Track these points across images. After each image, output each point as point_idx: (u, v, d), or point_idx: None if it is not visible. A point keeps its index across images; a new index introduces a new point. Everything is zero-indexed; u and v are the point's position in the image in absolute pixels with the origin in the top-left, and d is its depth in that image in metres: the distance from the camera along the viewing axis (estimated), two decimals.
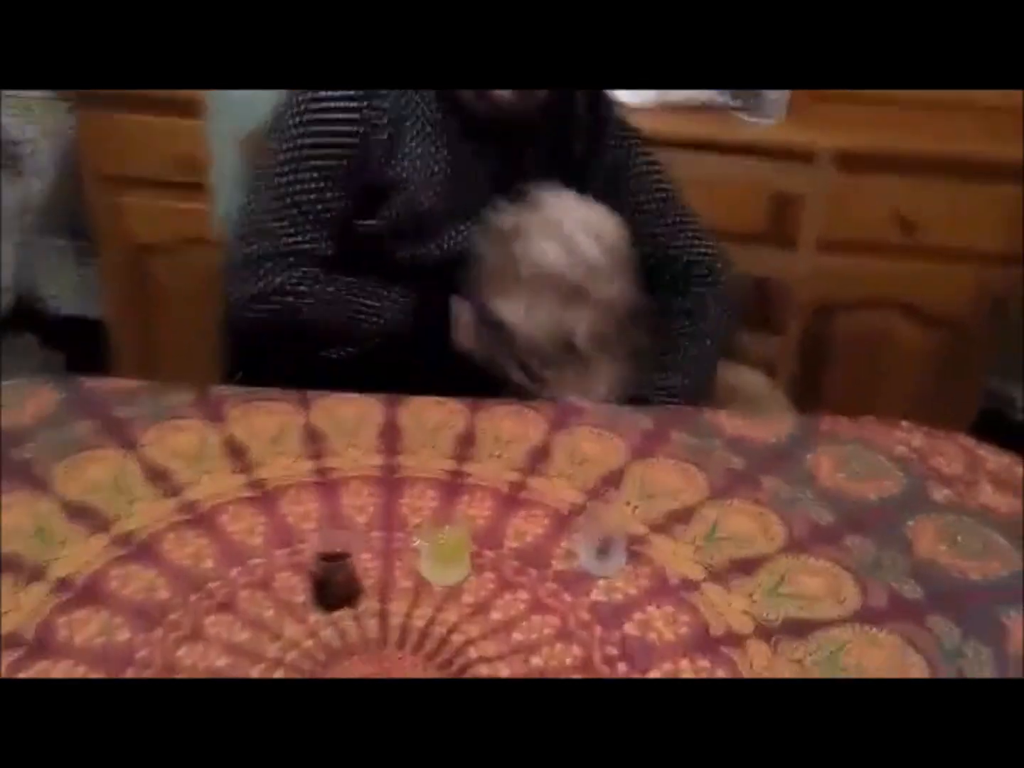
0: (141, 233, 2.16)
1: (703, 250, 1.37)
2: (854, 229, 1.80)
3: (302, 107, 1.20)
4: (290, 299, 1.20)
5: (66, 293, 2.78)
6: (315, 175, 1.19)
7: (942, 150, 1.82)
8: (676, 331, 1.33)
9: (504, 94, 1.17)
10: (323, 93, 1.19)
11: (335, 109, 1.19)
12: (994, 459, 1.12)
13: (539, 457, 1.06)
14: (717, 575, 0.92)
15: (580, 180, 1.24)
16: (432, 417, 1.11)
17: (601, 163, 1.30)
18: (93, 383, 1.16)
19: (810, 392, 1.89)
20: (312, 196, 1.20)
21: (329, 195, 1.20)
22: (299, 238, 1.21)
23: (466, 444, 1.07)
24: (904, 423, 1.18)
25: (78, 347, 2.48)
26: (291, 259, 1.20)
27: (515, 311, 1.16)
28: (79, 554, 0.89)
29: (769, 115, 1.79)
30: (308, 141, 1.20)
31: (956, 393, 2.01)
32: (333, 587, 0.84)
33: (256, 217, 1.22)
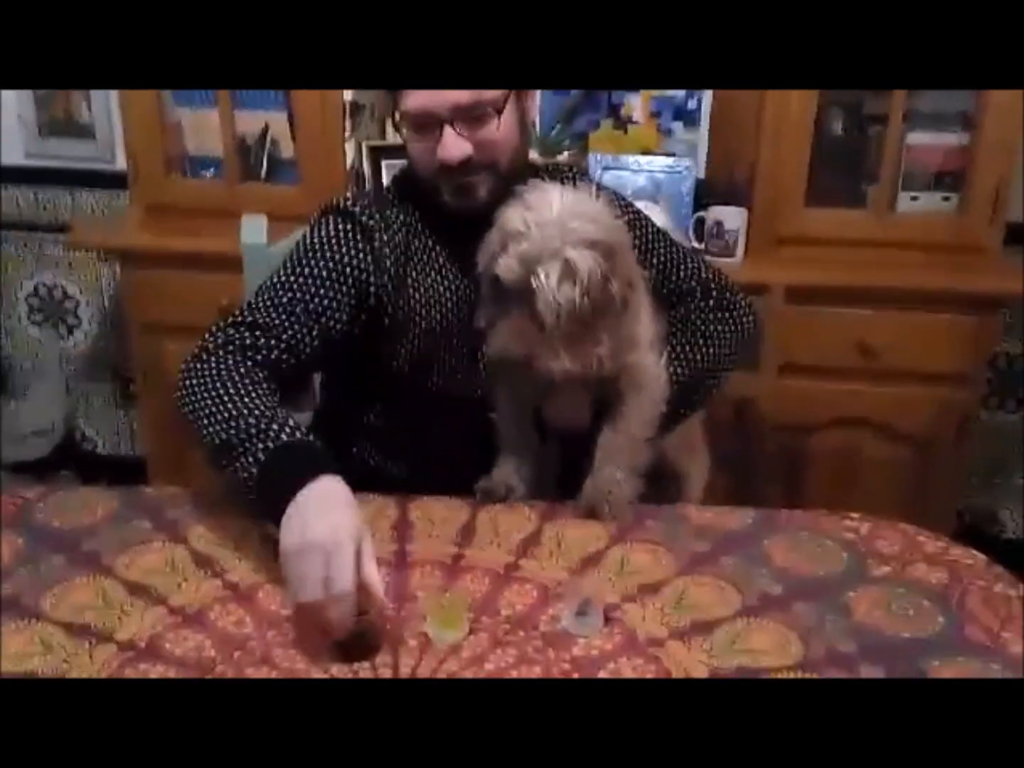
0: None
1: (706, 274, 1.49)
2: (817, 355, 2.01)
3: (316, 235, 1.34)
4: (188, 378, 1.25)
5: (106, 434, 3.01)
6: (317, 283, 1.30)
7: (893, 283, 2.05)
8: (677, 335, 1.41)
9: (481, 193, 1.29)
10: (339, 227, 1.34)
11: (347, 240, 1.33)
12: (931, 543, 1.28)
13: (531, 543, 1.24)
14: (680, 634, 1.07)
15: None
16: (438, 512, 1.29)
17: None
18: (148, 490, 1.36)
19: (788, 506, 2.05)
20: (308, 297, 1.30)
21: (326, 303, 1.30)
22: (281, 332, 1.28)
23: (467, 534, 1.25)
24: (854, 515, 1.34)
25: (115, 484, 2.67)
26: (243, 352, 1.25)
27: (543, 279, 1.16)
28: (139, 622, 1.07)
29: (732, 255, 2.04)
30: (319, 261, 1.32)
31: (932, 510, 2.16)
32: (354, 642, 1.01)
33: (250, 303, 1.32)
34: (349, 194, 1.40)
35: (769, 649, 1.05)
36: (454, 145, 1.26)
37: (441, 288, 1.37)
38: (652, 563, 1.20)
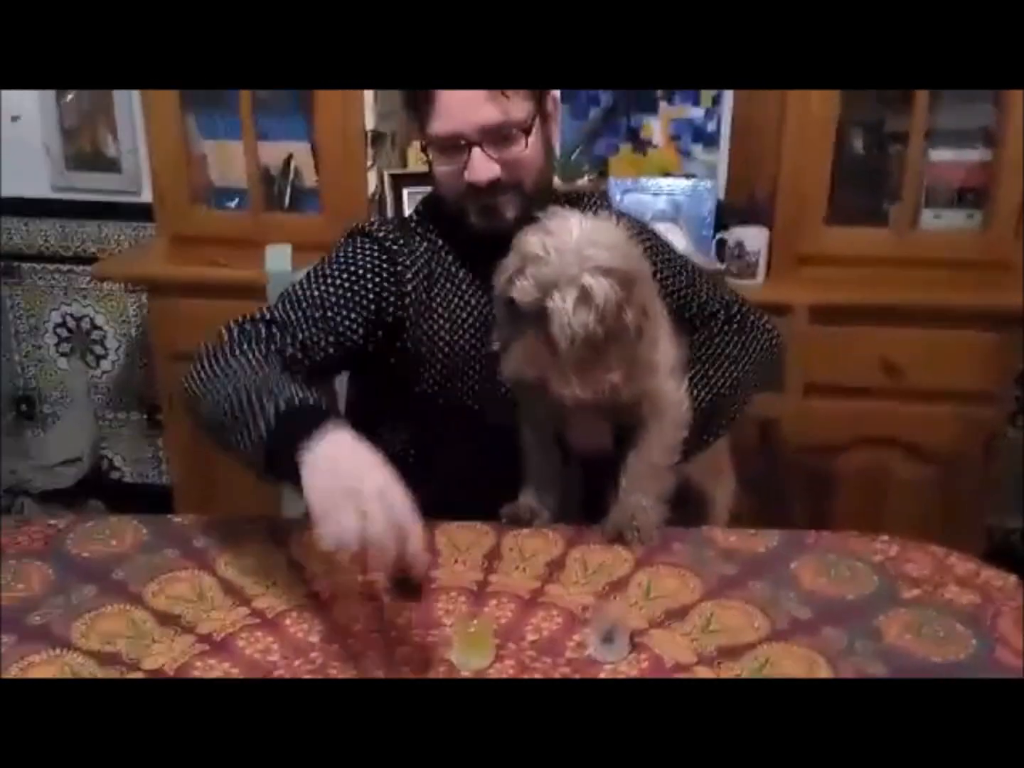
0: None
1: (727, 297, 1.49)
2: (841, 374, 2.00)
3: (340, 253, 1.35)
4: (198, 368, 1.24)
5: (133, 463, 3.04)
6: (337, 295, 1.32)
7: (917, 301, 2.04)
8: (699, 360, 1.41)
9: (508, 214, 1.30)
10: (362, 247, 1.35)
11: (370, 259, 1.34)
12: (961, 565, 1.27)
13: (556, 568, 1.23)
14: (707, 660, 1.07)
15: None
16: (464, 538, 1.29)
17: None
18: (175, 519, 1.37)
19: (816, 527, 2.04)
20: (327, 305, 1.31)
21: (343, 314, 1.31)
22: (295, 332, 1.28)
23: (493, 559, 1.25)
24: (882, 536, 1.33)
25: (143, 512, 2.69)
26: (257, 346, 1.25)
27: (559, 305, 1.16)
28: (168, 650, 1.07)
29: (754, 276, 2.04)
30: (340, 275, 1.33)
31: (961, 529, 2.14)
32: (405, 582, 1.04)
33: (268, 306, 1.34)
34: (374, 219, 1.42)
35: (798, 674, 1.04)
36: (482, 167, 1.28)
37: (464, 314, 1.38)
38: (679, 587, 1.20)
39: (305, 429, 1.07)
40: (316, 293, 1.33)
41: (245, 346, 1.25)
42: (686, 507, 1.40)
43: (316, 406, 1.13)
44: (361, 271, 1.34)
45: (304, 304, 1.32)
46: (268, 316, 1.31)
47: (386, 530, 0.98)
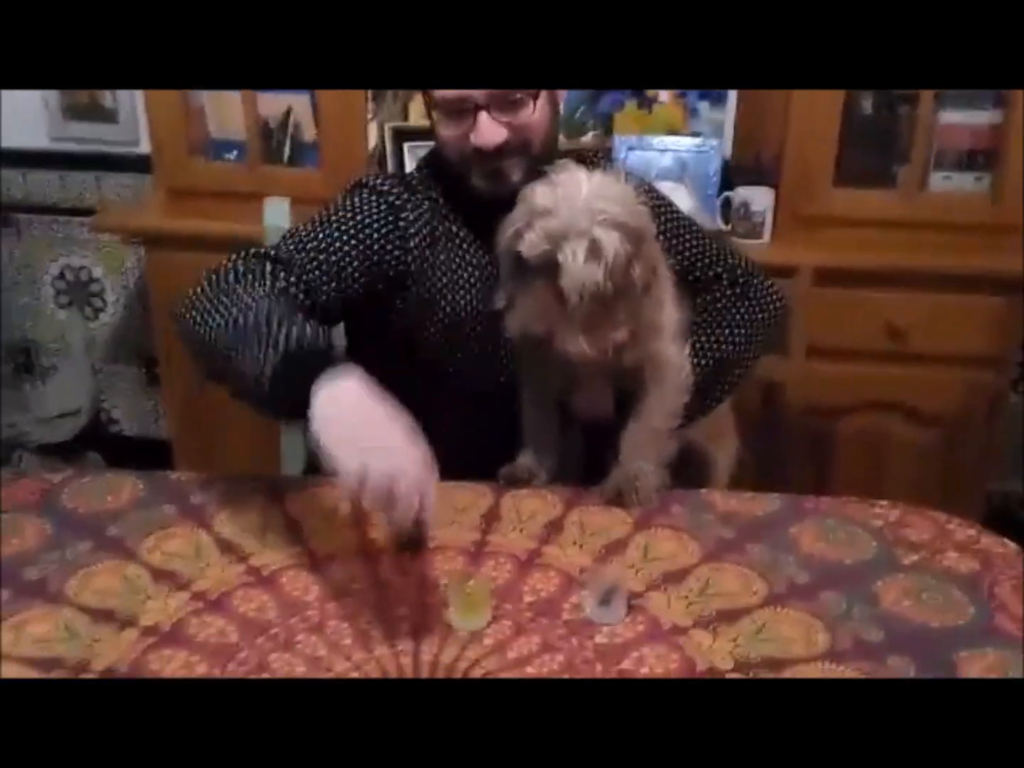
0: None
1: (732, 261, 1.47)
2: (845, 337, 1.98)
3: (344, 203, 1.33)
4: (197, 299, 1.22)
5: (131, 416, 3.03)
6: (340, 242, 1.29)
7: (923, 264, 2.01)
8: (702, 324, 1.39)
9: (514, 178, 1.28)
10: (367, 198, 1.33)
11: (374, 211, 1.32)
12: (961, 531, 1.26)
13: (554, 529, 1.23)
14: (705, 623, 1.06)
15: None
16: (462, 498, 1.28)
17: None
18: (172, 475, 1.36)
19: (817, 491, 2.03)
20: (331, 250, 1.28)
21: (347, 260, 1.29)
22: (300, 272, 1.26)
23: (491, 520, 1.24)
24: (882, 501, 1.33)
25: (142, 466, 2.69)
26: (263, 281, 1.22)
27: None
28: (163, 607, 1.07)
29: (759, 237, 2.01)
30: (343, 223, 1.31)
31: (961, 492, 2.13)
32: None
33: (272, 245, 1.31)
34: (378, 173, 1.39)
35: (795, 638, 1.04)
36: (490, 130, 1.25)
37: (465, 274, 1.36)
38: (677, 550, 1.19)
39: (317, 366, 1.05)
40: (320, 236, 1.30)
41: (250, 277, 1.23)
42: (687, 468, 1.40)
43: (325, 348, 1.10)
44: (367, 221, 1.32)
45: (308, 246, 1.29)
46: (272, 253, 1.28)
47: (410, 484, 0.97)
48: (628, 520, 1.25)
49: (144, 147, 2.54)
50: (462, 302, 1.36)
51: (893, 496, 1.29)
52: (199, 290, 1.23)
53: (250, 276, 1.23)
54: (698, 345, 1.36)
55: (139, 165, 2.60)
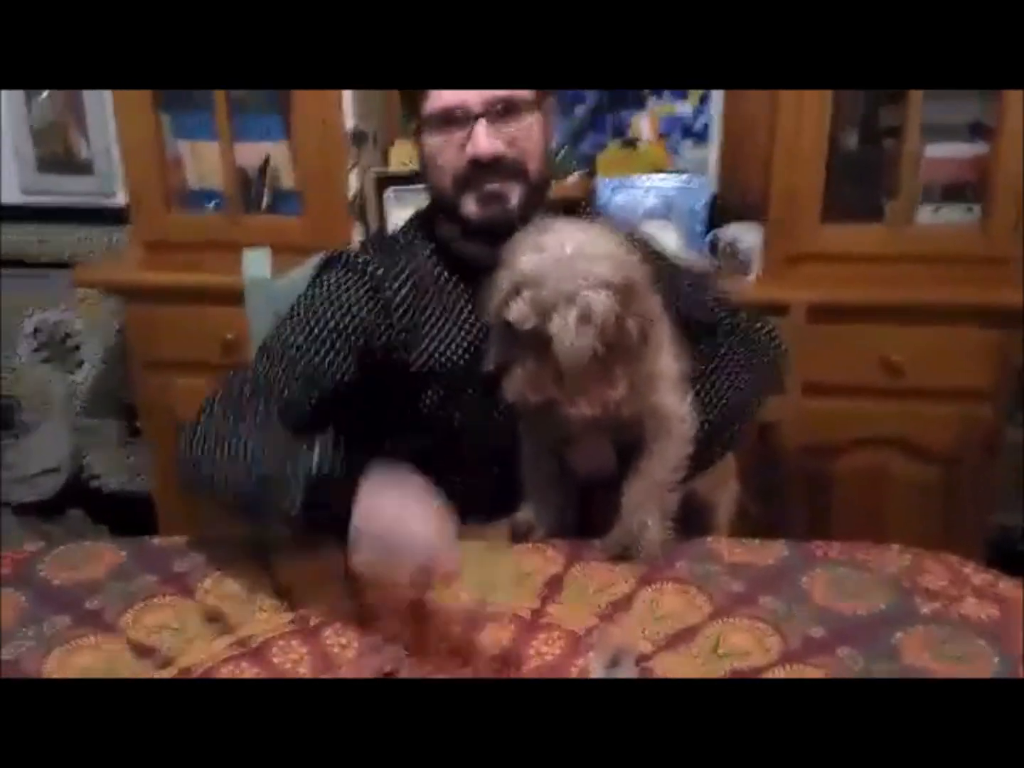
0: (185, 413, 2.31)
1: (728, 308, 1.44)
2: (840, 374, 1.95)
3: (319, 289, 1.31)
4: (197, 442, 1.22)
5: (113, 471, 2.96)
6: (317, 344, 1.28)
7: (915, 298, 1.99)
8: (702, 375, 1.35)
9: (511, 202, 1.26)
10: (343, 280, 1.30)
11: (352, 294, 1.30)
12: (978, 576, 1.22)
13: (555, 586, 1.18)
14: None
15: None
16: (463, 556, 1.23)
17: None
18: (154, 540, 1.31)
19: (817, 529, 2.00)
20: (307, 359, 1.27)
21: (327, 363, 1.28)
22: (286, 393, 1.26)
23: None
24: (895, 546, 1.28)
25: (125, 520, 2.62)
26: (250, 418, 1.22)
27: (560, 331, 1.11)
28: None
29: (747, 274, 1.98)
30: (319, 319, 1.28)
31: (962, 528, 2.10)
32: None
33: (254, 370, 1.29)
34: (353, 246, 1.37)
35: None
36: (485, 140, 1.22)
37: (456, 333, 1.33)
38: (685, 606, 1.14)
39: (338, 494, 1.07)
40: (296, 346, 1.28)
41: (236, 419, 1.22)
42: (688, 515, 1.35)
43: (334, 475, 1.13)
44: (343, 311, 1.29)
45: (285, 360, 1.28)
46: (250, 375, 1.27)
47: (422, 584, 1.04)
48: (632, 576, 1.20)
49: (121, 199, 2.50)
50: (456, 359, 1.33)
51: (894, 533, 1.26)
52: (194, 446, 1.22)
53: (234, 417, 1.22)
54: (703, 394, 1.32)
55: (116, 217, 2.56)
